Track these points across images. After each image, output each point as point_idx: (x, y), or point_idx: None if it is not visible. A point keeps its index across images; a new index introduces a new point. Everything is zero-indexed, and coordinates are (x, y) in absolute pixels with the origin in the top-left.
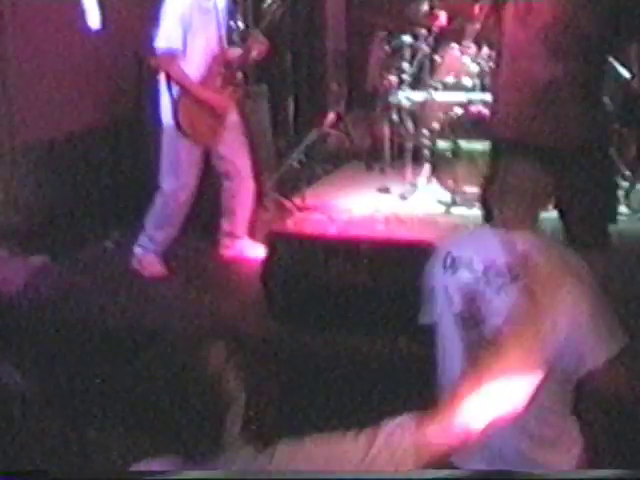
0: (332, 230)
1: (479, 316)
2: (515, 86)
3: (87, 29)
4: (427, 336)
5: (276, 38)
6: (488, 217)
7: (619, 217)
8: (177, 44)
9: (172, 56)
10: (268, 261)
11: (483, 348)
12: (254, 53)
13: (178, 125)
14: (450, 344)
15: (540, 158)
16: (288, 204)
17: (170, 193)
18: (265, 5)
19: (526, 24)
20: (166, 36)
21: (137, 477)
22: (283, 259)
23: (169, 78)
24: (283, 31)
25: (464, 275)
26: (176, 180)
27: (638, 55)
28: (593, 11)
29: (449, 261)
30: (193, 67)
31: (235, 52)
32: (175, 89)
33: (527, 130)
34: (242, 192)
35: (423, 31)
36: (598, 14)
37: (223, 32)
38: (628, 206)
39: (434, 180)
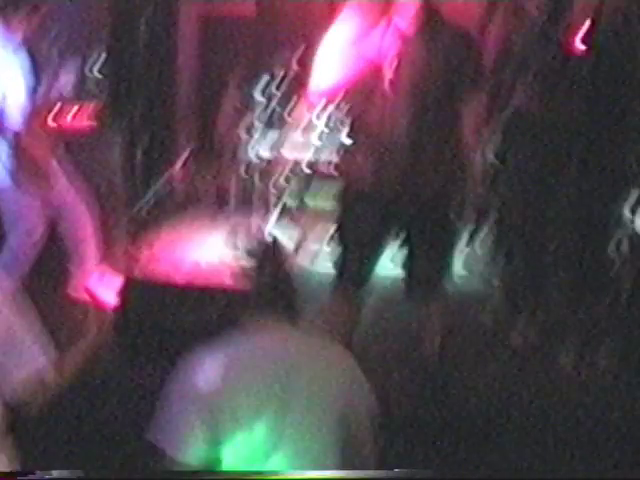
0: (180, 277)
1: None
2: (367, 144)
3: None
4: None
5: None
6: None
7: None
8: None
9: None
10: (121, 306)
11: None
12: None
13: (17, 183)
14: None
15: (389, 213)
16: (136, 251)
17: (16, 245)
18: None
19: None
20: None
21: None
22: (136, 305)
23: None
24: (135, 76)
25: None
26: (22, 233)
27: None
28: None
29: None
30: (14, 114)
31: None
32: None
33: (378, 187)
34: (84, 232)
35: (274, 89)
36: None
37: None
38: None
39: (279, 232)
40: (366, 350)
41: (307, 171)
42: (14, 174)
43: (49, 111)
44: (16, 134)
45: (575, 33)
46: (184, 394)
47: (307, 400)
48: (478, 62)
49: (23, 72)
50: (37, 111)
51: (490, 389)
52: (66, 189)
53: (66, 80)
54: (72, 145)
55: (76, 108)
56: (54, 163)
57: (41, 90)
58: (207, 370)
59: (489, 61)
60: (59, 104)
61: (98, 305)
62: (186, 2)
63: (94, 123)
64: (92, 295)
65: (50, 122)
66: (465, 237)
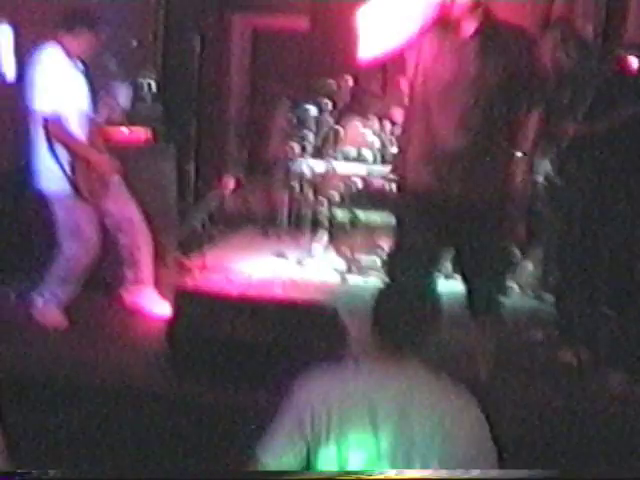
0: (232, 291)
1: None
2: (421, 158)
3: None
4: None
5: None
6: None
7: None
8: (63, 108)
9: (61, 121)
10: (173, 318)
11: None
12: (105, 113)
13: (75, 188)
14: None
15: (444, 227)
16: (189, 263)
17: (73, 256)
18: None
19: (434, 98)
20: (51, 100)
21: None
22: (188, 317)
23: (52, 143)
24: (188, 94)
25: None
26: (79, 244)
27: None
28: (497, 90)
29: None
30: (77, 128)
31: (103, 113)
32: (62, 154)
33: (431, 200)
34: (140, 244)
35: (328, 103)
36: (504, 85)
37: (92, 92)
38: (517, 284)
39: (331, 248)
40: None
41: (360, 186)
42: (75, 183)
43: (110, 126)
44: (78, 145)
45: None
46: (291, 408)
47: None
48: (533, 76)
49: (84, 89)
50: (99, 125)
51: (541, 406)
52: (124, 202)
53: (124, 97)
54: (127, 160)
55: (131, 124)
56: (115, 176)
57: (102, 106)
58: (316, 387)
59: (544, 76)
60: (117, 119)
61: (151, 317)
62: (240, 17)
63: (149, 138)
64: (145, 308)
65: (109, 137)
66: (518, 253)
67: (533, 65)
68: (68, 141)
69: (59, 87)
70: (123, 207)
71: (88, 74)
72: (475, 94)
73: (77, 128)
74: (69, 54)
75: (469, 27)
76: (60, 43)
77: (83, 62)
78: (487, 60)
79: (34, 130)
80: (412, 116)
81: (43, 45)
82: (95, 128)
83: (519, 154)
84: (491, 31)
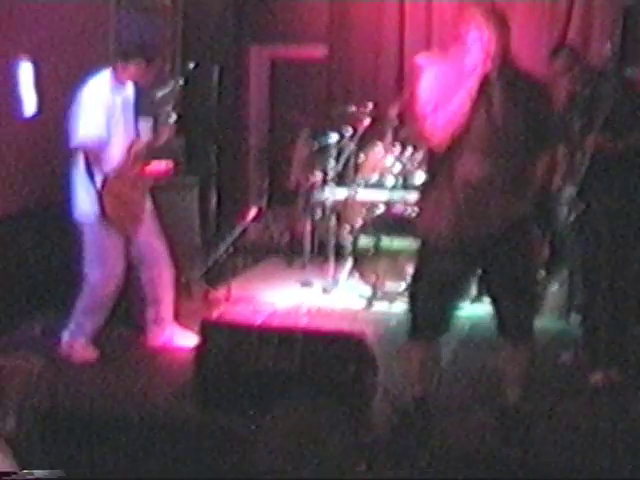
0: (258, 321)
1: None
2: (446, 184)
3: (20, 115)
4: (356, 423)
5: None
6: (412, 311)
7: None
8: (103, 132)
9: (99, 145)
10: (201, 349)
11: None
12: (161, 138)
13: (104, 215)
14: None
15: (469, 254)
16: (215, 294)
17: (98, 283)
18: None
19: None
20: (92, 125)
21: None
22: (216, 347)
23: (90, 167)
24: (209, 126)
25: None
26: (104, 271)
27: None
28: (518, 117)
29: None
30: (114, 155)
31: (143, 139)
32: (98, 179)
33: (456, 227)
34: (163, 279)
35: (348, 129)
36: (522, 120)
37: (135, 119)
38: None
39: (356, 275)
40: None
41: (383, 211)
42: (105, 210)
43: (143, 157)
44: (112, 173)
45: None
46: None
47: None
48: (550, 107)
49: (124, 119)
50: (135, 155)
51: (571, 428)
52: (152, 234)
53: (164, 131)
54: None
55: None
56: (145, 207)
57: (138, 137)
58: None
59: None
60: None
61: (174, 350)
62: (257, 48)
63: (171, 170)
64: (169, 345)
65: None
66: (545, 274)
67: (546, 106)
68: (105, 166)
69: (101, 111)
70: (150, 239)
71: (137, 102)
72: (499, 130)
73: (118, 154)
74: (120, 80)
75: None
76: (113, 70)
77: (137, 89)
78: (507, 101)
79: (70, 158)
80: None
81: (88, 74)
82: (134, 154)
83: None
84: (511, 78)
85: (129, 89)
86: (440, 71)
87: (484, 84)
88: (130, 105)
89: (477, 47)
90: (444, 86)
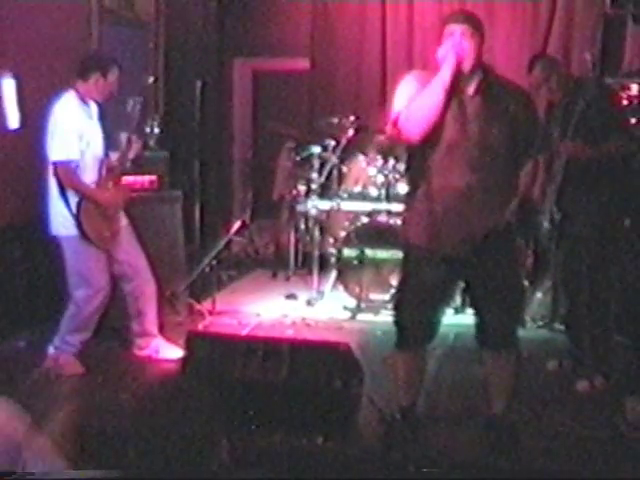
0: (243, 333)
1: None
2: (428, 195)
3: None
4: (342, 434)
5: (187, 145)
6: (397, 321)
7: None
8: (75, 154)
9: (71, 167)
10: (187, 361)
11: None
12: (130, 154)
13: (83, 233)
14: None
15: (452, 264)
16: (199, 307)
17: (84, 301)
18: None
19: (442, 144)
20: (64, 147)
21: None
22: (202, 359)
23: (63, 188)
24: (192, 139)
25: None
26: (88, 289)
27: None
28: (499, 127)
29: None
30: (87, 174)
31: (113, 155)
32: (72, 199)
33: (438, 237)
34: (145, 293)
35: (331, 141)
36: (504, 130)
37: (104, 136)
38: (526, 315)
39: (340, 286)
40: (435, 400)
41: (366, 223)
42: (83, 228)
43: (120, 172)
44: (88, 190)
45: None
46: None
47: None
48: (532, 116)
49: (97, 134)
50: (111, 171)
51: (557, 436)
52: (131, 249)
53: (135, 145)
54: (133, 207)
55: (135, 171)
56: (124, 222)
57: (113, 152)
58: None
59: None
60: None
61: (159, 363)
62: (240, 61)
63: (156, 181)
64: (155, 357)
65: (119, 183)
66: (528, 284)
67: (528, 115)
68: (78, 186)
69: (72, 134)
70: (130, 254)
71: (102, 118)
72: (479, 141)
73: (90, 172)
74: (84, 99)
75: (472, 85)
76: (75, 90)
77: (99, 105)
78: (488, 111)
79: (46, 177)
80: (419, 155)
81: (58, 93)
82: (110, 171)
83: (522, 189)
84: (491, 87)
85: (93, 106)
86: (418, 77)
87: (464, 93)
88: (97, 122)
89: (448, 42)
90: (420, 89)
